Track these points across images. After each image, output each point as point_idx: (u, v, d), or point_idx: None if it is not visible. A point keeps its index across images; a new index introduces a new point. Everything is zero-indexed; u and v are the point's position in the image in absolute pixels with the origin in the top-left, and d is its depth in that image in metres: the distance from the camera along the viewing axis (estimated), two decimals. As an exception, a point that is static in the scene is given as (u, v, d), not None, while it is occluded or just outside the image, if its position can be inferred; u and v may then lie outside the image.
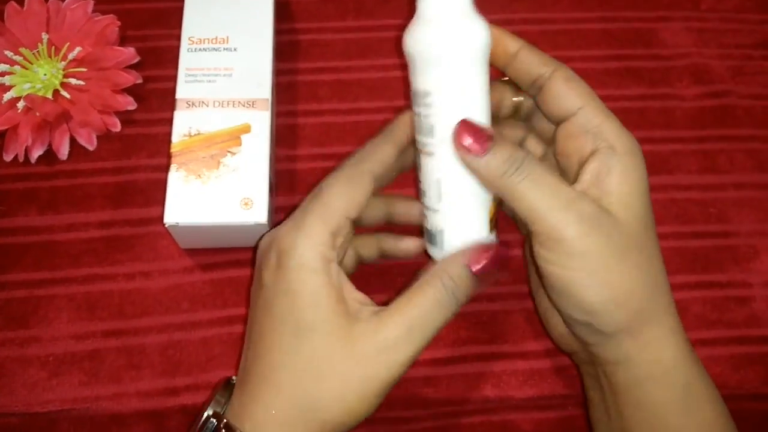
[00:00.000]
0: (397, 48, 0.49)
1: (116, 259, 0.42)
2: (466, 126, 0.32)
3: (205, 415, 0.33)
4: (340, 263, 0.33)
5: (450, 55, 0.32)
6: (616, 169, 0.32)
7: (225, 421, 0.32)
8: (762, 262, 0.44)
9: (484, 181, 0.33)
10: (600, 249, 0.31)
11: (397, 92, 0.48)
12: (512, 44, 0.35)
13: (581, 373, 0.38)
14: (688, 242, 0.45)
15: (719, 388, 0.40)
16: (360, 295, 0.33)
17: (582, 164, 0.33)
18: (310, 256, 0.31)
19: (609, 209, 0.32)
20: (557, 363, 0.41)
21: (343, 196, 0.33)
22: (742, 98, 0.49)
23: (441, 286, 0.31)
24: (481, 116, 0.33)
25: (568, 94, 0.34)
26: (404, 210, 0.38)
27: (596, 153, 0.33)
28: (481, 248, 0.33)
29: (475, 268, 0.32)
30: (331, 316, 0.31)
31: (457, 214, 0.34)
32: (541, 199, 0.31)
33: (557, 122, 0.35)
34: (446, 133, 0.32)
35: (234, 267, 0.42)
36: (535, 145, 0.39)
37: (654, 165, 0.46)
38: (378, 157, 0.35)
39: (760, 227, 0.45)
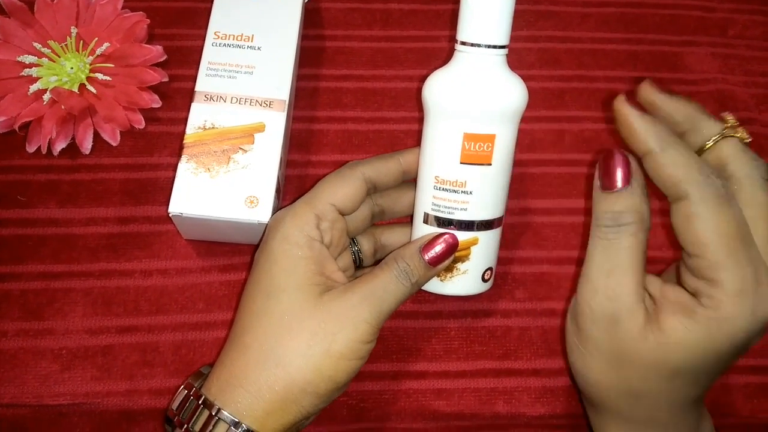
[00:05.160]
0: (422, 59, 0.49)
1: (134, 256, 0.42)
2: (619, 159, 0.32)
3: (180, 388, 0.35)
4: (330, 247, 0.36)
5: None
6: (689, 322, 0.31)
7: (194, 389, 0.34)
8: (779, 291, 0.44)
9: (593, 209, 0.33)
10: (601, 343, 0.33)
11: (421, 103, 0.48)
12: (646, 140, 0.32)
13: None
14: (706, 268, 0.44)
15: (731, 416, 0.41)
16: (340, 276, 0.36)
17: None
18: (293, 231, 0.35)
19: (654, 334, 0.31)
20: (571, 382, 0.41)
21: (330, 186, 0.37)
22: (766, 127, 0.49)
23: (397, 267, 0.35)
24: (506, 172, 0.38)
25: (687, 233, 0.31)
26: (392, 238, 0.41)
27: (693, 294, 0.32)
28: (434, 238, 0.36)
29: (427, 255, 0.36)
30: (304, 282, 0.34)
31: None
32: (596, 268, 0.33)
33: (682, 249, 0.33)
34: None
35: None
36: None
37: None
38: (377, 164, 0.38)
39: (778, 257, 0.45)
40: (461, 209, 0.37)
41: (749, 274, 0.30)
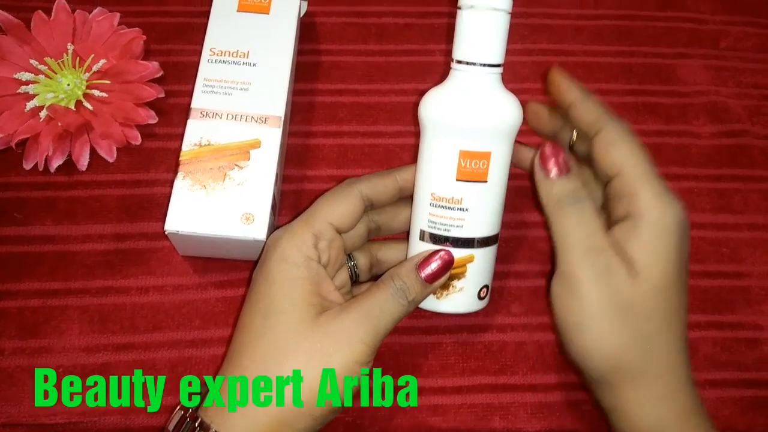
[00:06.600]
0: (417, 73, 0.50)
1: (130, 273, 0.42)
2: (553, 150, 0.36)
3: (177, 409, 0.35)
4: (327, 266, 0.37)
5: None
6: (639, 238, 0.34)
7: (190, 410, 0.34)
8: (773, 304, 0.44)
9: (543, 199, 0.37)
10: (601, 300, 0.34)
11: (416, 117, 0.48)
12: (568, 95, 0.38)
13: None
14: (700, 281, 0.45)
15: (727, 430, 0.41)
16: (337, 295, 0.36)
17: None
18: (291, 251, 0.35)
19: (636, 272, 0.34)
20: (567, 397, 0.41)
21: (328, 205, 0.37)
22: (759, 138, 0.49)
23: (393, 285, 0.35)
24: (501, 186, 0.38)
25: (605, 159, 0.36)
26: (387, 254, 0.41)
27: (626, 218, 0.35)
28: (430, 255, 0.36)
29: (423, 272, 0.36)
30: (301, 303, 0.34)
31: None
32: (575, 236, 0.35)
33: (604, 182, 0.38)
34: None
35: (248, 286, 0.42)
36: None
37: (669, 202, 0.47)
38: (374, 181, 0.39)
39: (772, 269, 0.45)
40: (457, 226, 0.37)
41: (660, 181, 0.35)
